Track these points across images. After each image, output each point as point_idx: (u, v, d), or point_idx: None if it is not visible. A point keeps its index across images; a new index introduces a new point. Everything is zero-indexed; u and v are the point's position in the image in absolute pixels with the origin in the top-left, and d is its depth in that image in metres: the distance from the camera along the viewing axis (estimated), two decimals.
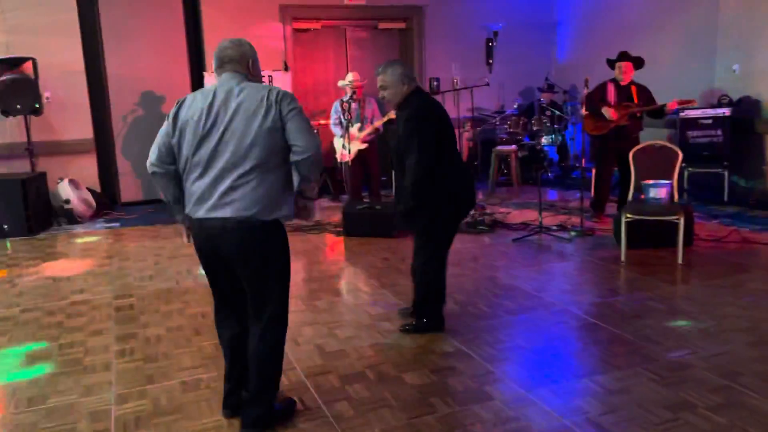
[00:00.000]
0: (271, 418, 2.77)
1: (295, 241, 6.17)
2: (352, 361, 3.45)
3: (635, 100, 5.99)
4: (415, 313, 3.88)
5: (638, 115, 6.03)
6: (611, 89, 6.08)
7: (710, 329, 3.70)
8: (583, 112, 6.05)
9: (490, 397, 3.00)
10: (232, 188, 2.53)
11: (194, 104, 2.61)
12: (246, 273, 2.64)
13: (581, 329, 3.80)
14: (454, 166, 3.66)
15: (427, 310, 3.81)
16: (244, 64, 2.69)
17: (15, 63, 6.98)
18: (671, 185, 5.08)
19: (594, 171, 7.25)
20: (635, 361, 3.32)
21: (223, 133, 2.54)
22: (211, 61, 8.59)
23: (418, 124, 3.48)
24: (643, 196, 5.20)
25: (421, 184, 3.50)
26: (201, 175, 2.58)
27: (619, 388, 3.03)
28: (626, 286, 4.60)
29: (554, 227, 6.20)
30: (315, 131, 2.70)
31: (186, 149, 2.59)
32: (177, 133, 2.61)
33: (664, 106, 5.87)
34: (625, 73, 6.00)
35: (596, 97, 6.09)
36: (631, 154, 5.33)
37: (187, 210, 2.66)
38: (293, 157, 2.59)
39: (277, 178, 2.60)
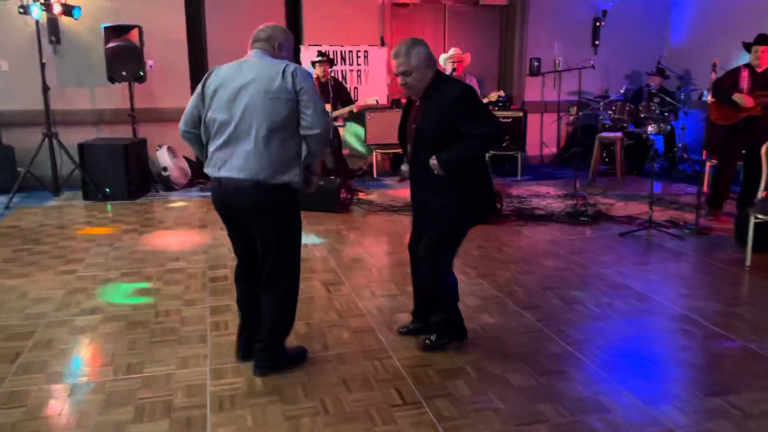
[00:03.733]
0: (280, 362, 3.04)
1: (383, 222, 6.03)
2: (452, 354, 3.25)
3: None
4: (430, 324, 3.38)
5: None
6: (745, 75, 5.48)
7: None
8: (710, 99, 5.50)
9: (606, 408, 2.73)
10: (246, 152, 2.75)
11: (221, 74, 2.84)
12: (256, 232, 2.88)
13: (706, 340, 3.42)
14: (484, 162, 3.35)
15: (448, 321, 3.33)
16: (272, 44, 2.90)
17: (122, 30, 7.13)
18: None
19: (709, 164, 6.70)
20: None
21: (242, 100, 2.75)
22: (308, 34, 8.57)
23: (475, 97, 3.10)
24: None
25: (484, 151, 3.21)
26: (222, 138, 2.80)
27: (757, 412, 2.69)
28: (755, 294, 4.14)
29: (664, 223, 5.74)
30: (325, 110, 2.86)
31: (211, 115, 2.82)
32: (206, 100, 2.85)
33: None
34: (763, 58, 5.39)
35: (727, 84, 5.52)
36: (764, 149, 4.79)
37: (207, 169, 2.90)
38: (302, 131, 2.80)
39: (286, 146, 2.79)
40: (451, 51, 6.70)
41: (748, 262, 4.59)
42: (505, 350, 3.29)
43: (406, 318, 3.69)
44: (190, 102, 2.92)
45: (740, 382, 2.95)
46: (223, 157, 2.80)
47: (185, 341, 3.39)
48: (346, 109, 7.22)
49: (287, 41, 2.96)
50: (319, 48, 8.00)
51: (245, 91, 2.75)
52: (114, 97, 7.58)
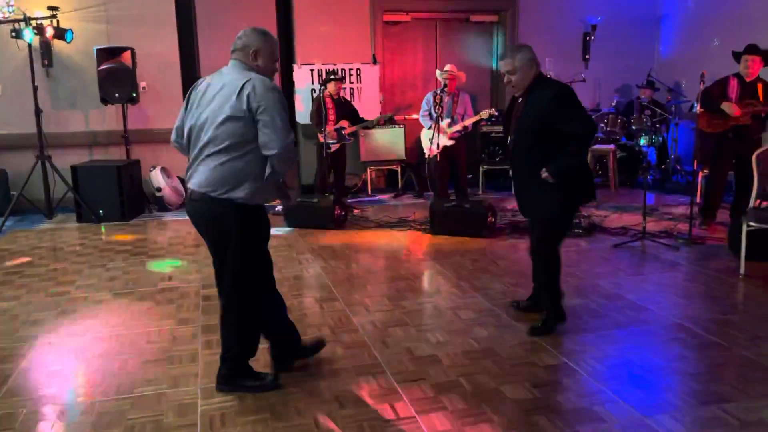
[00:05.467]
0: (232, 382, 2.97)
1: (379, 237, 6.01)
2: (445, 368, 3.22)
3: (760, 99, 5.43)
4: (537, 309, 3.83)
5: (763, 115, 5.46)
6: (734, 85, 5.53)
7: None
8: (699, 109, 5.53)
9: (601, 419, 2.70)
10: (201, 164, 2.77)
11: (199, 87, 2.87)
12: (207, 244, 2.95)
13: (702, 348, 3.40)
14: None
15: (553, 305, 3.67)
16: (246, 53, 2.81)
17: (115, 52, 7.16)
18: None
19: (701, 173, 6.72)
20: None
21: (205, 114, 2.75)
22: (301, 53, 8.61)
23: (572, 98, 3.41)
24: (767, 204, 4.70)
25: (585, 149, 3.50)
26: (192, 150, 2.84)
27: (754, 420, 2.66)
28: (750, 303, 4.13)
29: (658, 233, 5.74)
30: (286, 129, 2.73)
31: (187, 126, 2.85)
32: (187, 111, 2.87)
33: None
34: (752, 67, 5.45)
35: (715, 93, 5.56)
36: (754, 157, 4.81)
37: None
38: (262, 151, 2.72)
39: (236, 163, 2.72)
40: (447, 67, 6.73)
41: (742, 270, 4.58)
42: (499, 363, 3.26)
43: (401, 332, 3.68)
44: (179, 113, 2.95)
45: (737, 390, 2.93)
46: (190, 168, 2.84)
47: (177, 361, 3.36)
48: (361, 125, 7.32)
49: (266, 47, 2.83)
50: (311, 67, 8.07)
51: (209, 106, 2.74)
52: (107, 118, 7.59)
